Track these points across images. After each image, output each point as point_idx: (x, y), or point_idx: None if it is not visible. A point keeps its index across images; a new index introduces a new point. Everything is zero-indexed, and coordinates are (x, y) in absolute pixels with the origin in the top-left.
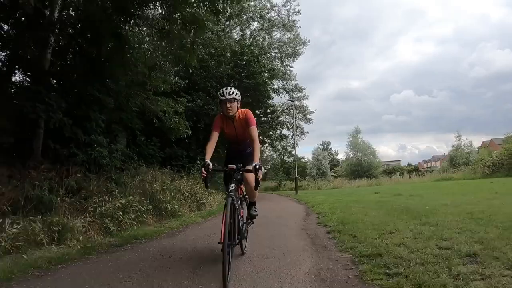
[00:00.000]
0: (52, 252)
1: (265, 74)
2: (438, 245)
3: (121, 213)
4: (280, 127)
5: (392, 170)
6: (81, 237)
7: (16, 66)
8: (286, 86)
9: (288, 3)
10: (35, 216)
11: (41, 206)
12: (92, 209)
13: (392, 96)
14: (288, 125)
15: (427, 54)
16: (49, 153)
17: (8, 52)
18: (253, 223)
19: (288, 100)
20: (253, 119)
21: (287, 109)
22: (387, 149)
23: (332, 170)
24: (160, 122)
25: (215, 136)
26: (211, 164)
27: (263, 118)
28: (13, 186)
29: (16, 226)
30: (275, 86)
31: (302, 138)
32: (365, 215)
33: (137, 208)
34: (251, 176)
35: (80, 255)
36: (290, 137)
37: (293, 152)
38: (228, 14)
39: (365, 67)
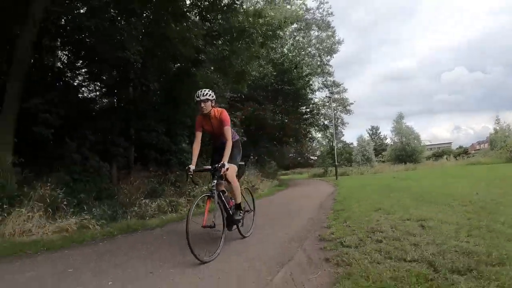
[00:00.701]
0: (172, 216)
1: (303, 80)
2: (381, 207)
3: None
4: (324, 118)
5: (441, 153)
6: (185, 209)
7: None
8: (325, 82)
9: (322, 5)
10: (158, 198)
11: (157, 193)
12: (187, 193)
13: (444, 74)
14: (330, 117)
15: (479, 28)
16: (156, 160)
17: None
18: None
19: (327, 96)
20: (227, 120)
21: (328, 102)
22: (440, 131)
23: (380, 155)
24: None
25: (198, 136)
26: (191, 168)
27: (305, 116)
28: (140, 182)
29: (154, 203)
30: (314, 86)
31: (343, 129)
32: (363, 193)
33: None
34: (228, 173)
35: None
36: (331, 129)
37: (342, 139)
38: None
39: (413, 46)
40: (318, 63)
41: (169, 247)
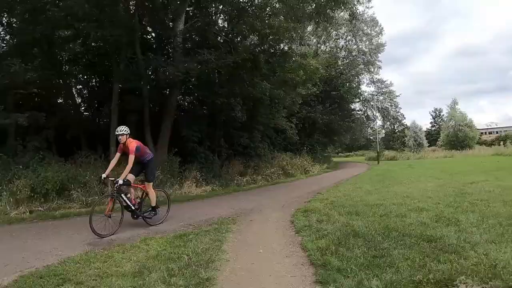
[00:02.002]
0: (253, 186)
1: (347, 85)
2: (369, 191)
3: (270, 175)
4: (375, 110)
5: (504, 138)
6: (260, 182)
7: None
8: (372, 78)
9: (368, 9)
10: (245, 176)
11: (244, 173)
12: (262, 173)
13: None
14: (378, 108)
15: None
16: (242, 153)
17: None
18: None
19: (373, 93)
20: (133, 148)
21: (376, 95)
22: None
23: (438, 140)
24: (281, 132)
25: (117, 155)
26: (103, 176)
27: (353, 112)
28: (235, 167)
29: (244, 179)
30: (358, 89)
31: (389, 120)
32: (369, 177)
33: (278, 173)
34: (148, 186)
35: (264, 185)
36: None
37: (403, 121)
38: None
39: (486, 17)
40: (363, 63)
41: (254, 195)
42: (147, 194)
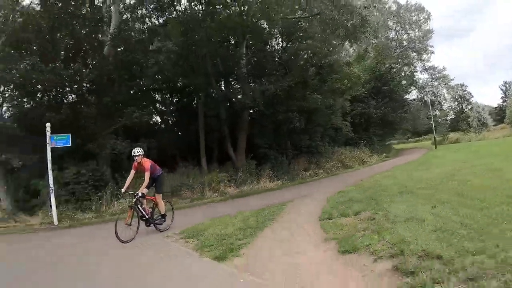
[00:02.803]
0: (315, 178)
1: (397, 79)
2: (395, 176)
3: (330, 168)
4: (431, 96)
5: None
6: (321, 175)
7: None
8: (424, 65)
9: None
10: (308, 170)
11: (308, 168)
12: (324, 167)
13: None
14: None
15: None
16: (306, 152)
17: None
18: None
19: (426, 80)
20: (148, 167)
21: (431, 81)
22: None
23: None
24: (339, 129)
25: (132, 173)
26: (122, 190)
27: (406, 103)
28: (300, 164)
29: (307, 173)
30: (408, 82)
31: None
32: (417, 162)
33: (336, 165)
34: (157, 196)
35: (324, 177)
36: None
37: (471, 100)
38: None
39: None
40: (414, 51)
41: (312, 185)
42: (156, 205)
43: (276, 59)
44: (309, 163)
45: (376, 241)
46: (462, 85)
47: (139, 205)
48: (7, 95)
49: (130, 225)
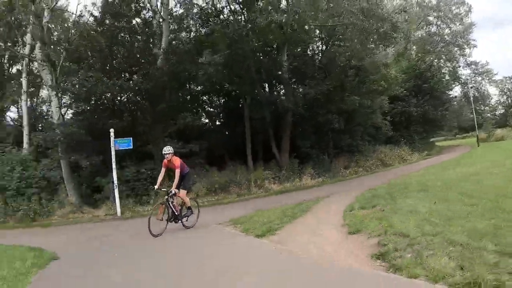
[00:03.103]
0: (353, 176)
1: (437, 76)
2: (423, 175)
3: (370, 166)
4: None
5: None
6: (360, 173)
7: None
8: (466, 60)
9: None
10: (348, 169)
11: (348, 166)
12: (364, 166)
13: None
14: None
15: None
16: (347, 150)
17: None
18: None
19: (469, 75)
20: (178, 164)
21: (474, 76)
22: None
23: None
24: (379, 128)
25: (163, 170)
26: (155, 187)
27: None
28: (341, 162)
29: (347, 171)
30: (450, 79)
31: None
32: (451, 161)
33: (376, 164)
34: (181, 192)
35: (363, 175)
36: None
37: None
38: None
39: None
40: (455, 46)
41: (350, 182)
42: (183, 200)
43: (316, 62)
44: (349, 161)
45: (374, 226)
46: (511, 78)
47: (170, 202)
48: (72, 104)
49: (162, 220)
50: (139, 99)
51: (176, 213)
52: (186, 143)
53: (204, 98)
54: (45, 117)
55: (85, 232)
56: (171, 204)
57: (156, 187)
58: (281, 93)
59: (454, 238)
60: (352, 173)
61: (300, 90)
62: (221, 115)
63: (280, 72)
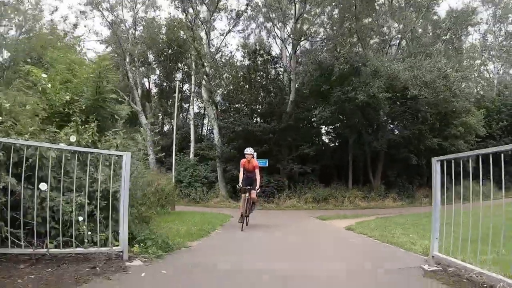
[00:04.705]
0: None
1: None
2: None
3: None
4: None
5: None
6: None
7: None
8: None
9: None
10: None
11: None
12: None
13: None
14: None
15: None
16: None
17: None
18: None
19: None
20: (257, 164)
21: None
22: None
23: None
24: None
25: (242, 170)
26: (240, 185)
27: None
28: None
29: (428, 199)
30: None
31: None
32: None
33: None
34: (253, 193)
35: None
36: None
37: None
38: None
39: None
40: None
41: (418, 208)
42: (253, 200)
43: (407, 107)
44: (430, 191)
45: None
46: None
47: (249, 199)
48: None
49: (248, 216)
50: (272, 135)
51: (252, 210)
52: (303, 165)
53: (321, 128)
54: (208, 136)
55: (234, 212)
56: (250, 202)
57: (240, 185)
58: (378, 135)
59: None
60: (427, 203)
61: (396, 132)
62: (332, 144)
63: (378, 118)
